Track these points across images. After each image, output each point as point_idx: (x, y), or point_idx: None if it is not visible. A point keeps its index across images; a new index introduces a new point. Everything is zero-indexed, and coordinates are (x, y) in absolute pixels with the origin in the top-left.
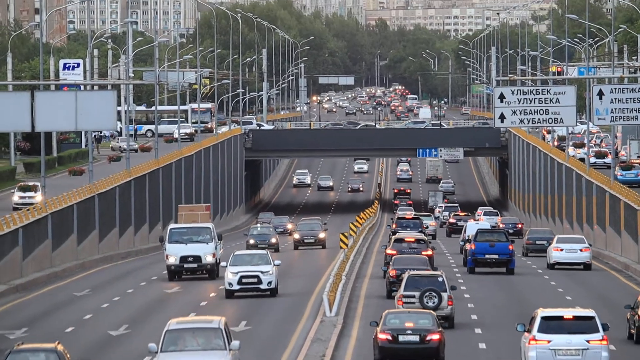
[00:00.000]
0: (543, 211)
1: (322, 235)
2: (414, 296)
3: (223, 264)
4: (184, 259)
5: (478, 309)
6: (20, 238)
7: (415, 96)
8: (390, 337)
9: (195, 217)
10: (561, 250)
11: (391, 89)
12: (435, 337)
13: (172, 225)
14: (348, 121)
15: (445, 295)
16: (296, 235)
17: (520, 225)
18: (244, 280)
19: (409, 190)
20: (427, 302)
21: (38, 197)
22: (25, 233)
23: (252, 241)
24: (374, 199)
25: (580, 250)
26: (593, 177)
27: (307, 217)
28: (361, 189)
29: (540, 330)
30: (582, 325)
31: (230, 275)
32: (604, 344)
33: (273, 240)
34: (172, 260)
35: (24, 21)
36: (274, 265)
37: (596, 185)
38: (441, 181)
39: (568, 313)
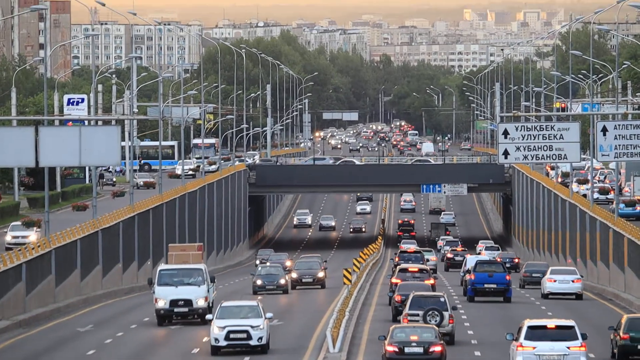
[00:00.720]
0: (547, 247)
1: (320, 274)
2: (418, 315)
3: (209, 316)
4: (174, 302)
5: (476, 330)
6: (23, 273)
7: (416, 132)
8: (397, 349)
9: (187, 258)
10: (554, 281)
11: (392, 125)
12: (438, 349)
13: (161, 267)
14: (332, 157)
15: (446, 314)
16: (293, 275)
17: (516, 260)
18: (231, 336)
19: (412, 221)
20: (430, 320)
21: (32, 236)
22: (29, 268)
23: (259, 282)
24: (378, 234)
25: (572, 281)
26: (597, 214)
27: (306, 255)
28: (364, 229)
29: (526, 338)
30: (563, 333)
31: (217, 329)
32: (583, 350)
33: (282, 281)
34: (162, 304)
35: (28, 56)
36: (266, 318)
37: (600, 222)
38: (442, 213)
39: (551, 323)
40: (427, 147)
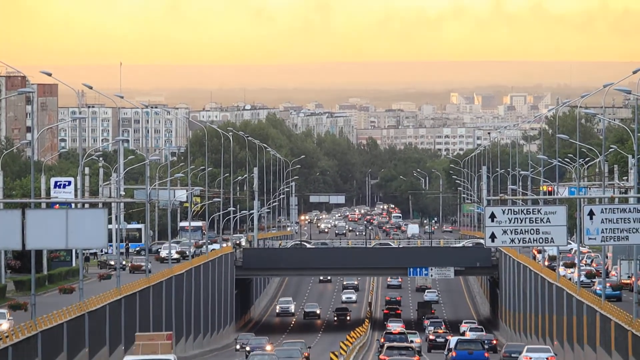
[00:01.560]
0: (534, 331)
1: None
2: None
3: None
4: None
5: None
6: (9, 357)
7: (400, 214)
8: None
9: (155, 348)
10: (530, 359)
11: (381, 208)
12: None
13: (127, 357)
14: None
15: None
16: None
17: (494, 341)
18: None
19: (399, 298)
20: None
21: (4, 325)
22: (15, 352)
23: None
24: (365, 317)
25: (547, 358)
26: (583, 297)
27: (290, 340)
28: (348, 317)
29: None
30: None
31: None
32: None
33: None
34: None
35: (15, 139)
36: None
37: (587, 305)
38: (425, 291)
39: None
40: (413, 229)
